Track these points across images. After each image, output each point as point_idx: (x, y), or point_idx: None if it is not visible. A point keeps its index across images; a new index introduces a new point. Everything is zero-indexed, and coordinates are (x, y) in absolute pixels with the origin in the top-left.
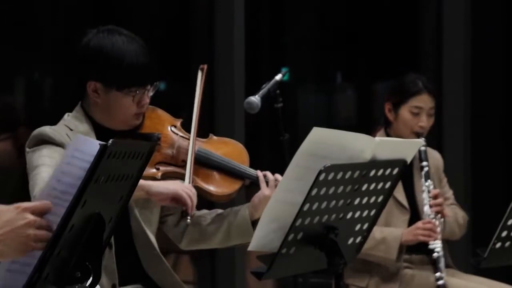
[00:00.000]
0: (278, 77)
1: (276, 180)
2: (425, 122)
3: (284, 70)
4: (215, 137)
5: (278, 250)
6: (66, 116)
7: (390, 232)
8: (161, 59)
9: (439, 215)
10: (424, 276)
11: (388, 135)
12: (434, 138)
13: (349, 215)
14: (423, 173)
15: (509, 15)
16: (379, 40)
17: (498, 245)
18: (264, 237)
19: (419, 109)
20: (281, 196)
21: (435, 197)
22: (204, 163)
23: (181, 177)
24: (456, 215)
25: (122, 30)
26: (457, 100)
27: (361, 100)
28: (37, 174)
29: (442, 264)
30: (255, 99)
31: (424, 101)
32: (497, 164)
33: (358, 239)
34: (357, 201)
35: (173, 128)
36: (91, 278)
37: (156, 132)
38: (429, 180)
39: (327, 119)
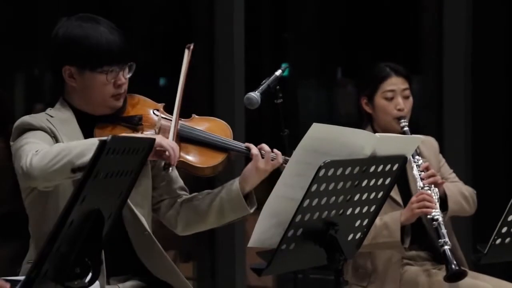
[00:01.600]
0: (278, 72)
1: (274, 153)
2: (401, 104)
3: (284, 65)
4: (197, 116)
5: (277, 246)
6: (47, 109)
7: (389, 216)
8: (161, 55)
9: (433, 186)
10: (425, 273)
11: (375, 131)
12: (434, 133)
13: (349, 211)
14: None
15: (510, 11)
16: (380, 36)
17: (499, 241)
18: (264, 232)
19: (392, 92)
20: (281, 192)
21: (426, 169)
22: (187, 138)
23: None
24: (459, 187)
25: (90, 15)
26: (458, 96)
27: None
28: (21, 151)
29: (443, 231)
30: (255, 95)
31: (394, 83)
32: (498, 160)
33: (358, 235)
34: (357, 197)
35: (155, 111)
36: (90, 274)
37: (138, 114)
38: (417, 156)
39: (328, 115)
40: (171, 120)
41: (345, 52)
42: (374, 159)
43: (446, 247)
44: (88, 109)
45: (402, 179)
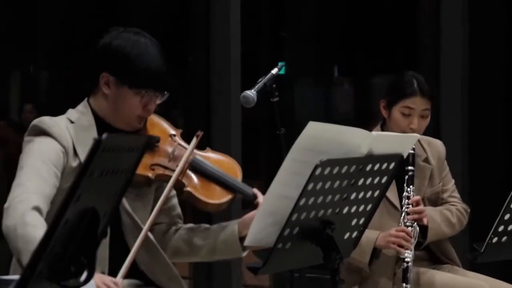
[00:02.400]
0: (274, 71)
1: None
2: (415, 124)
3: (280, 64)
4: (211, 151)
5: (274, 245)
6: (69, 110)
7: (366, 235)
8: None
9: (415, 223)
10: (421, 272)
11: (383, 131)
12: (431, 133)
13: (346, 209)
14: (406, 177)
15: (508, 9)
16: (377, 34)
17: (495, 239)
18: (260, 231)
19: (410, 109)
20: (277, 191)
21: (416, 204)
22: (198, 171)
23: (174, 183)
24: (446, 216)
25: (146, 34)
26: (455, 94)
27: (358, 94)
28: (17, 176)
29: (410, 274)
30: (251, 93)
31: (415, 103)
32: (494, 159)
33: (354, 234)
34: (353, 195)
35: (173, 136)
36: (85, 273)
37: (156, 135)
38: (411, 186)
39: (324, 113)
40: (185, 149)
41: (342, 50)
42: (371, 158)
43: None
44: (110, 119)
45: (399, 182)
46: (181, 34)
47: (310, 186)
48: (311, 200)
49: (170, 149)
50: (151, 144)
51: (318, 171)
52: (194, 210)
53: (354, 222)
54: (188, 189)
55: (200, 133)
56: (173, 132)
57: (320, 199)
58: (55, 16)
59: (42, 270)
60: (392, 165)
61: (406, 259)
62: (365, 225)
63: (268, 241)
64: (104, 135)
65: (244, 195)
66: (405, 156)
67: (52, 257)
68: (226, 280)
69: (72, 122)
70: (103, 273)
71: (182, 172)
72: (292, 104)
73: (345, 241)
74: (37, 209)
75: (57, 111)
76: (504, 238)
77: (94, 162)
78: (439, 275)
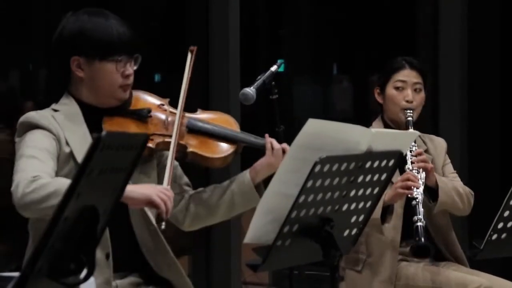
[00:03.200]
0: (274, 68)
1: (283, 149)
2: (410, 96)
3: (279, 61)
4: (202, 111)
5: (273, 242)
6: (52, 104)
7: None
8: (156, 50)
9: (421, 170)
10: (420, 268)
11: (384, 122)
12: (430, 131)
13: (345, 207)
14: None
15: (504, 4)
16: (375, 31)
17: (495, 236)
18: (259, 229)
19: (402, 82)
20: (276, 188)
21: (419, 154)
22: (196, 131)
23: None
24: (454, 184)
25: (98, 9)
26: (454, 92)
27: (357, 92)
28: (16, 166)
29: (421, 209)
30: (250, 90)
31: (406, 75)
32: (493, 156)
33: (354, 231)
34: (352, 192)
35: (161, 105)
36: (85, 270)
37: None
38: (413, 143)
39: (323, 111)
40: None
41: (340, 48)
42: (370, 155)
43: (419, 223)
44: (95, 101)
45: (402, 166)
46: (179, 32)
47: (310, 183)
48: (311, 197)
49: (163, 117)
50: (143, 116)
51: (317, 168)
52: (191, 177)
53: (353, 219)
54: (191, 149)
55: (193, 47)
56: (161, 102)
57: (320, 196)
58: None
59: (41, 267)
60: (391, 162)
61: (414, 196)
62: (365, 222)
63: (267, 239)
64: (103, 133)
65: (247, 144)
66: (404, 153)
67: (52, 254)
68: (225, 277)
69: (56, 110)
70: (107, 254)
71: (181, 135)
72: (291, 102)
73: (345, 238)
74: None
75: None
76: (503, 235)
77: (93, 160)
78: (437, 270)
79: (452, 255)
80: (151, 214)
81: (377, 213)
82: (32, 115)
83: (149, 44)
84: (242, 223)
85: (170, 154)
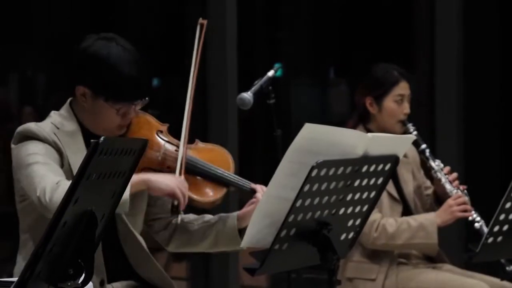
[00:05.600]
0: (271, 73)
1: None
2: (408, 109)
3: (276, 66)
4: (200, 143)
5: (271, 246)
6: (52, 113)
7: (424, 218)
8: (155, 55)
9: (461, 187)
10: (418, 272)
11: (368, 130)
12: (427, 133)
13: (342, 210)
14: (427, 154)
15: (501, 9)
16: (372, 35)
17: (491, 240)
18: (257, 233)
19: (401, 96)
20: (273, 192)
21: (449, 172)
22: (189, 171)
23: None
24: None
25: (120, 40)
26: (450, 94)
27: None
28: (33, 172)
29: (485, 229)
30: (248, 95)
31: (403, 88)
32: (490, 159)
33: (351, 235)
34: (349, 196)
35: (159, 134)
36: (83, 275)
37: (143, 138)
38: (437, 160)
39: (320, 114)
40: (173, 144)
41: (337, 51)
42: (366, 159)
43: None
44: (91, 128)
45: (394, 179)
46: (177, 37)
47: (307, 188)
48: (308, 201)
49: (158, 149)
50: (146, 142)
51: (314, 173)
52: None
53: (350, 223)
54: None
55: (203, 21)
56: (159, 128)
57: (317, 200)
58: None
59: (40, 272)
60: (387, 166)
61: (476, 219)
62: (362, 226)
63: (265, 242)
64: (101, 138)
65: (238, 188)
66: (400, 157)
67: (51, 258)
68: (223, 281)
69: (57, 128)
70: (102, 281)
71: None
72: (288, 106)
73: (342, 242)
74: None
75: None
76: (499, 238)
77: (92, 165)
78: (436, 274)
79: (439, 259)
80: (141, 239)
81: (435, 237)
82: (32, 127)
83: (146, 48)
84: None
85: (182, 144)
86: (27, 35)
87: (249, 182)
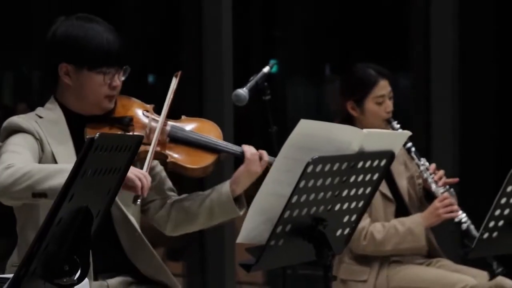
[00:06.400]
0: (266, 69)
1: (260, 154)
2: (390, 107)
3: (272, 62)
4: (186, 117)
5: (266, 242)
6: (37, 108)
7: (410, 221)
8: (151, 54)
9: (448, 186)
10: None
11: None
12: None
13: (337, 206)
14: (412, 154)
15: (497, 6)
16: (368, 32)
17: (486, 235)
18: (253, 229)
19: (382, 96)
20: (269, 188)
21: (435, 171)
22: (177, 139)
23: (156, 156)
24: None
25: (90, 16)
26: (446, 92)
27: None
28: (1, 159)
29: (474, 232)
30: (243, 91)
31: (383, 87)
32: (485, 155)
33: (347, 231)
34: (345, 192)
35: (145, 112)
36: (79, 272)
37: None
38: (422, 159)
39: (316, 111)
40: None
41: (333, 48)
42: (362, 155)
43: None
44: (79, 109)
45: (387, 174)
46: (173, 34)
47: (302, 184)
48: (303, 198)
49: (144, 125)
50: (124, 124)
51: (310, 169)
52: (185, 180)
53: (346, 219)
54: (171, 159)
55: (178, 72)
56: (145, 108)
57: (312, 196)
58: (46, 16)
59: (36, 269)
60: (383, 162)
61: (463, 220)
62: (357, 222)
63: (260, 239)
64: (97, 134)
65: (229, 153)
66: (396, 153)
67: (46, 255)
68: (219, 277)
69: (40, 117)
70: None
71: (162, 144)
72: (284, 102)
73: (337, 238)
74: None
75: None
76: (494, 234)
77: (87, 161)
78: (425, 271)
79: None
80: (135, 221)
81: (422, 239)
82: (15, 120)
83: (143, 46)
84: (235, 224)
85: (153, 141)
86: (27, 35)
87: (239, 146)
